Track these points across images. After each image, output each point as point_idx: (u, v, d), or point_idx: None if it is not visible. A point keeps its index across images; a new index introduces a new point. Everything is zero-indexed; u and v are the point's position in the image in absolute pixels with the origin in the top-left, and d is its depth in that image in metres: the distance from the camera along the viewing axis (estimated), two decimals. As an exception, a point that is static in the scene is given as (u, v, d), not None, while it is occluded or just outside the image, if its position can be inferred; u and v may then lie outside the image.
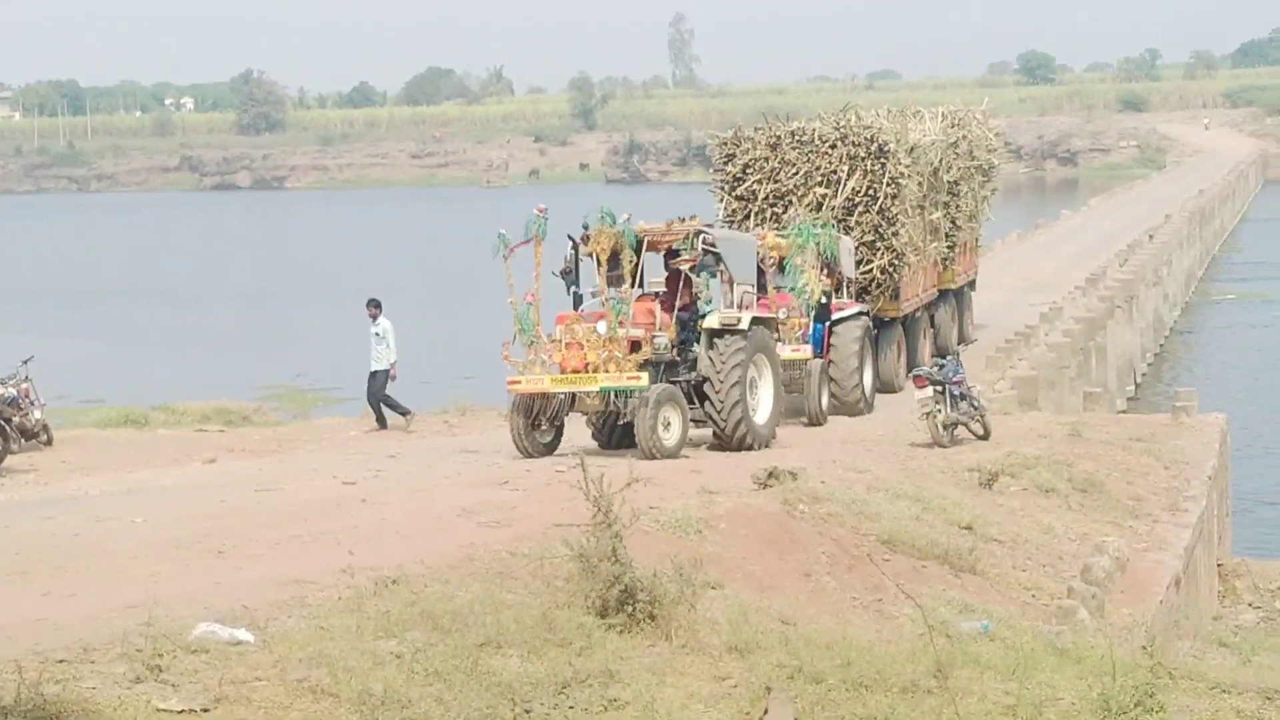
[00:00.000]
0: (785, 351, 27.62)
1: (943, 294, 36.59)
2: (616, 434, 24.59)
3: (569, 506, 15.17)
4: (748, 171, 32.10)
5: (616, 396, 23.69)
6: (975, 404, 26.07)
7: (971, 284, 40.23)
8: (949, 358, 27.52)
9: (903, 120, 35.10)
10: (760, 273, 27.71)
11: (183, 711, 9.96)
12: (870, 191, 31.44)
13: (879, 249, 31.58)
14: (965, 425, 25.88)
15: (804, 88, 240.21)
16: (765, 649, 12.20)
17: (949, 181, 35.67)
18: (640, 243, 24.45)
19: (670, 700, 10.77)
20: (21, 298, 77.28)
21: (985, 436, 25.93)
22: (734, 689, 11.24)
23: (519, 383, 23.82)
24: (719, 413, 24.12)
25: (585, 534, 13.20)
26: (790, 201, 31.35)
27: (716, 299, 25.42)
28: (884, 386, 31.59)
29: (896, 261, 31.75)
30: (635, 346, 24.10)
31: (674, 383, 24.30)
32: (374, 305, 29.61)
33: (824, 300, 29.24)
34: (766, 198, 31.80)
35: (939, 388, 25.50)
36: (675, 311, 24.84)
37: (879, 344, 31.48)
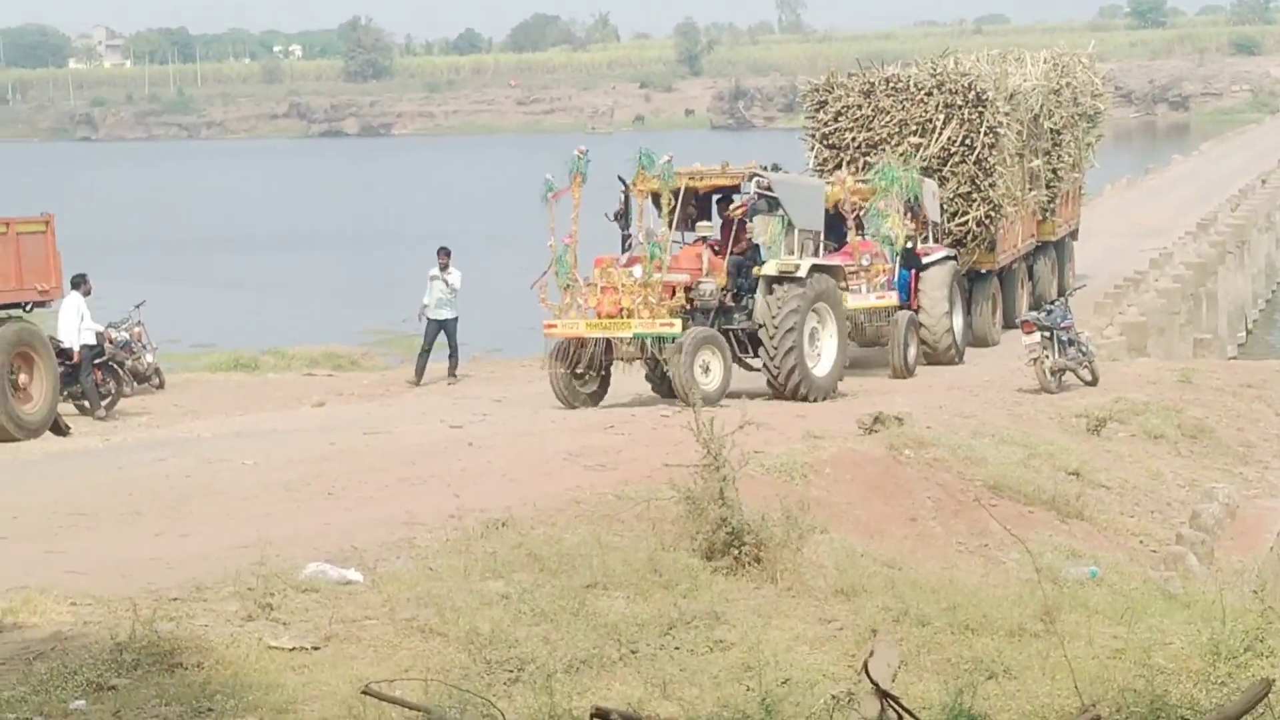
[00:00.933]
0: (869, 300, 27.21)
1: (1042, 245, 35.66)
2: (669, 381, 23.98)
3: (675, 450, 15.20)
4: (839, 119, 31.35)
5: (651, 343, 23.17)
6: (1083, 350, 25.86)
7: (1073, 234, 39.00)
8: (1057, 303, 27.26)
9: (1003, 65, 34.17)
10: (840, 219, 27.45)
11: (294, 649, 10.07)
12: (967, 141, 30.63)
13: (975, 200, 30.74)
14: (1073, 371, 25.68)
15: (911, 32, 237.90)
16: (871, 592, 12.18)
17: (1050, 129, 34.76)
18: (682, 187, 23.78)
19: (775, 642, 10.77)
20: (133, 244, 78.09)
21: (1093, 382, 25.72)
22: (839, 631, 11.23)
23: (555, 327, 23.43)
24: (772, 362, 23.50)
25: (692, 476, 13.23)
26: (883, 150, 30.33)
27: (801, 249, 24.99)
28: (978, 340, 30.95)
29: (993, 213, 30.92)
30: (682, 292, 23.65)
31: (727, 331, 23.75)
32: (444, 253, 29.45)
33: (909, 245, 28.57)
34: (859, 146, 30.97)
35: (1047, 333, 25.31)
36: (729, 257, 24.22)
37: (973, 297, 30.97)
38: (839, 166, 30.58)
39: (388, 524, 13.59)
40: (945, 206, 30.13)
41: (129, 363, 27.59)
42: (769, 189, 24.20)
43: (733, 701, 8.90)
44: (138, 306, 29.09)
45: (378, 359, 34.76)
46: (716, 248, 24.57)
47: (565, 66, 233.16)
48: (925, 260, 28.89)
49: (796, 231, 24.49)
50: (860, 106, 31.16)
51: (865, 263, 27.41)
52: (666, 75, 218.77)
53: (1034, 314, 26.83)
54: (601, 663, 10.08)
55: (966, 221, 30.73)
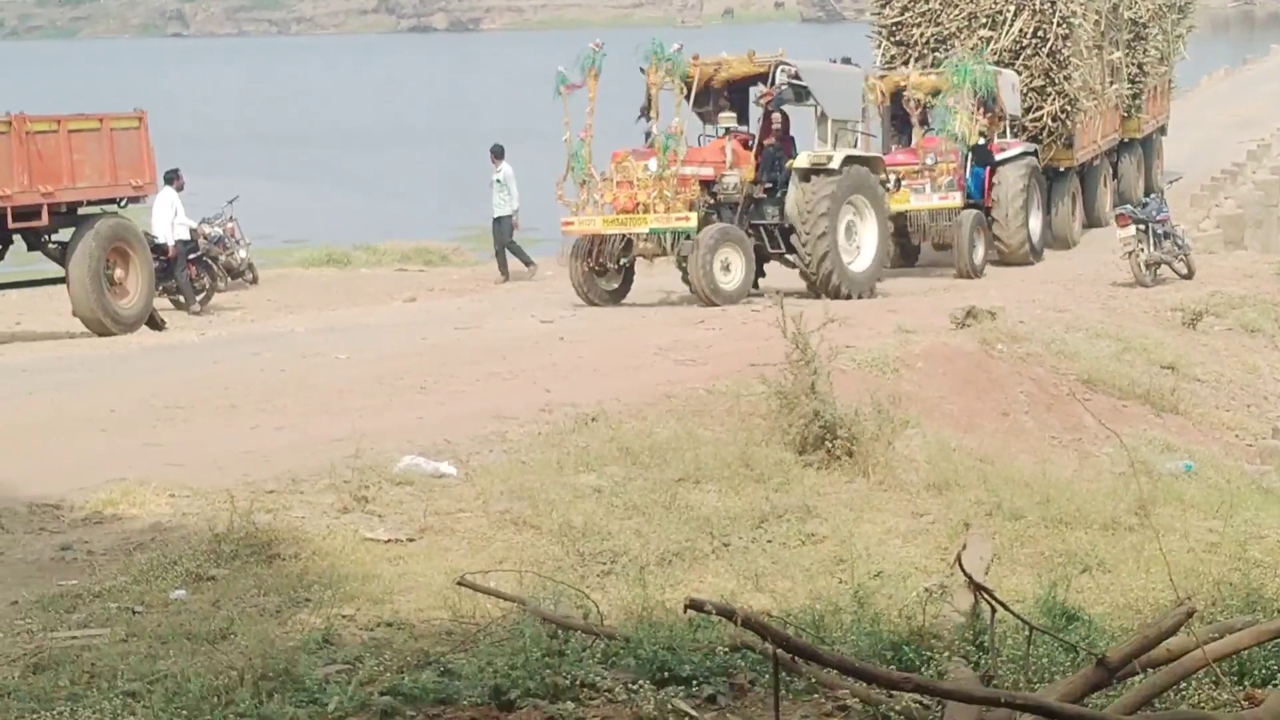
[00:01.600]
0: (932, 200, 26.38)
1: (1127, 142, 34.43)
2: None
3: (765, 345, 15.18)
4: (906, 14, 30.18)
5: (669, 238, 22.37)
6: (1179, 243, 25.61)
7: (1162, 130, 37.49)
8: (1152, 196, 26.95)
9: None
10: (904, 116, 26.99)
11: (389, 541, 10.17)
12: (1039, 33, 29.39)
13: (1050, 94, 29.58)
14: (1168, 264, 25.46)
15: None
16: (963, 486, 12.17)
17: (1133, 20, 33.51)
18: (695, 77, 23.03)
19: (867, 535, 10.79)
20: (225, 140, 78.45)
21: (1189, 276, 25.49)
22: (931, 525, 11.23)
23: (572, 224, 22.79)
24: (805, 257, 22.73)
25: (783, 372, 13.22)
26: (952, 45, 29.28)
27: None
28: (1058, 241, 29.98)
29: (1069, 107, 29.74)
30: (706, 186, 22.87)
31: (759, 226, 23.06)
32: (496, 152, 29.30)
33: (982, 141, 27.52)
34: (927, 42, 29.82)
35: (1142, 226, 25.06)
36: (760, 149, 23.37)
37: (1051, 196, 29.90)
38: (906, 63, 29.72)
39: (480, 418, 13.65)
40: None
41: (223, 258, 27.78)
42: (797, 77, 23.32)
43: (825, 594, 8.91)
44: (231, 202, 29.25)
45: (468, 254, 34.82)
46: (749, 141, 23.77)
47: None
48: (1001, 157, 27.81)
49: (830, 121, 23.54)
50: (928, 0, 30.08)
51: (930, 161, 26.50)
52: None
53: (1129, 207, 26.54)
54: (694, 555, 10.13)
55: (1041, 116, 29.63)
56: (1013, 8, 29.47)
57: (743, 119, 24.31)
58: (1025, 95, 29.23)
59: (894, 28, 30.34)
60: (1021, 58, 29.43)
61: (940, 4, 29.92)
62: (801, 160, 23.06)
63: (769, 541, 10.52)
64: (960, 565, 7.49)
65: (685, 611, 6.10)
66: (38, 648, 7.89)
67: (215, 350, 19.16)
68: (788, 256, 23.33)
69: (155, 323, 23.01)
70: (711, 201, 22.92)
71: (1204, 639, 6.14)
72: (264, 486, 11.14)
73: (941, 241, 26.91)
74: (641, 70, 23.41)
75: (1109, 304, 22.94)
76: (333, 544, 9.93)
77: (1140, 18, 33.68)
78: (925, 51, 29.71)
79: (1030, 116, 29.45)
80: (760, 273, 23.32)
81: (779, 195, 23.18)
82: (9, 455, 12.51)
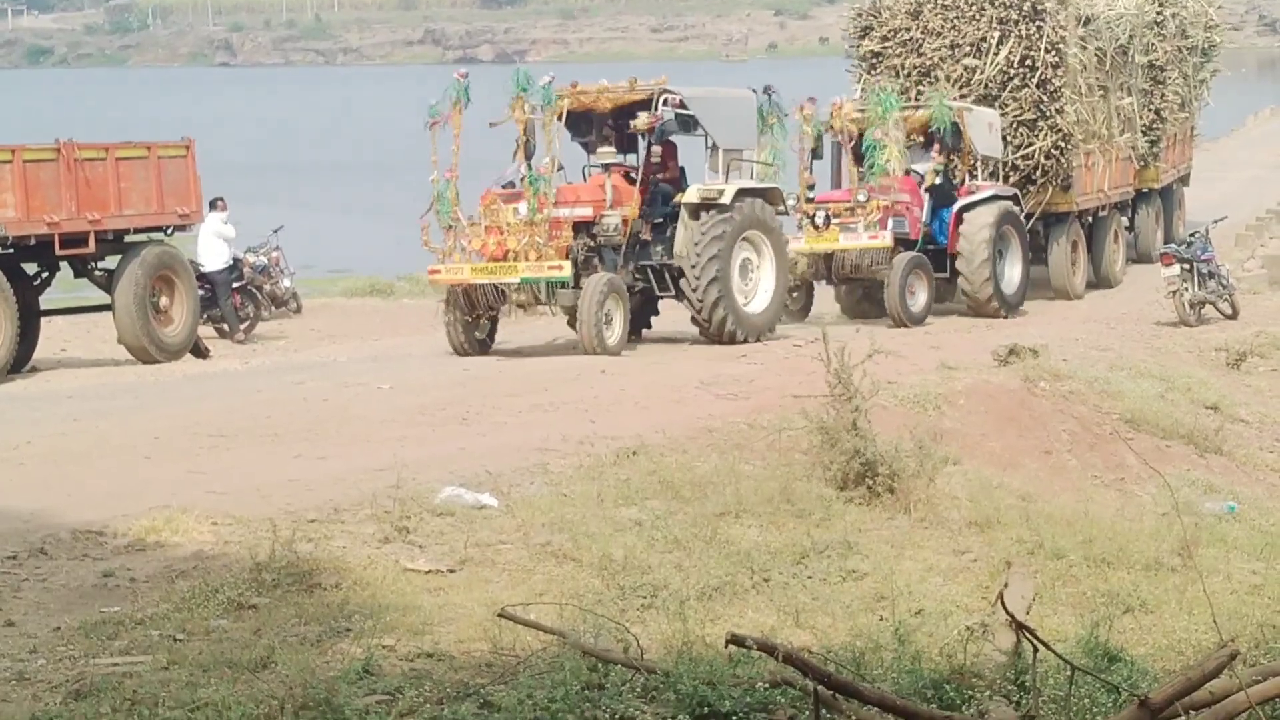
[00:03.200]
0: (862, 239, 24.17)
1: (1145, 193, 31.96)
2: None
3: (806, 380, 15.18)
4: (886, 46, 27.83)
5: (543, 288, 20.48)
6: (1224, 282, 25.51)
7: (1183, 179, 35.17)
8: (1196, 234, 26.79)
9: None
10: (832, 149, 25.42)
11: (429, 571, 10.18)
12: (1027, 61, 26.97)
13: (1041, 129, 27.10)
14: (1213, 304, 25.35)
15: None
16: (1005, 524, 12.14)
17: (1149, 65, 31.11)
18: (569, 107, 21.13)
19: (909, 573, 10.77)
20: (271, 169, 78.78)
21: (1233, 315, 25.38)
22: (973, 563, 11.21)
23: (439, 272, 20.93)
24: (696, 303, 21.00)
25: (825, 406, 13.21)
26: (936, 77, 27.10)
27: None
28: (1056, 292, 27.88)
29: (1063, 144, 27.20)
30: (585, 228, 21.03)
31: (646, 267, 21.34)
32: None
33: (939, 181, 25.29)
34: (909, 74, 27.41)
35: (1186, 265, 24.97)
36: (649, 185, 21.54)
37: (1048, 242, 27.82)
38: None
39: (521, 449, 13.67)
40: (1006, 136, 26.74)
41: (267, 287, 27.91)
42: (683, 105, 21.46)
43: (866, 631, 8.90)
44: (276, 231, 29.37)
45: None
46: (632, 175, 21.74)
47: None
48: (968, 200, 25.26)
49: (721, 152, 21.75)
50: (909, 30, 27.70)
51: (862, 198, 24.44)
52: (802, 2, 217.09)
53: (1173, 246, 26.41)
54: (734, 590, 10.13)
55: (1033, 154, 27.17)
56: (997, 34, 27.21)
57: (628, 151, 22.20)
58: (1015, 130, 27.08)
59: (874, 59, 28.10)
60: (1009, 89, 27.18)
61: (921, 32, 27.66)
62: (691, 195, 21.38)
63: (810, 577, 10.51)
64: (1002, 604, 7.48)
65: (726, 646, 6.11)
66: (80, 674, 7.93)
67: (258, 379, 19.22)
68: (674, 300, 21.80)
69: (199, 351, 23.10)
70: (592, 244, 21.10)
71: (1247, 682, 6.12)
72: (306, 515, 11.16)
73: (867, 282, 24.85)
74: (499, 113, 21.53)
75: (1153, 343, 22.85)
76: (374, 574, 9.94)
77: (1157, 61, 31.47)
78: (908, 85, 27.19)
79: (1021, 153, 27.20)
80: (654, 311, 22.30)
81: (668, 233, 21.60)
82: (53, 481, 12.57)
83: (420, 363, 20.61)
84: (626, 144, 22.14)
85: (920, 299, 24.36)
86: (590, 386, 17.62)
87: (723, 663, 7.57)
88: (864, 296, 25.42)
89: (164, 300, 22.57)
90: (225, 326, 26.04)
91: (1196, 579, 9.99)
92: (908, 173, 25.28)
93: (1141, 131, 30.90)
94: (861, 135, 25.10)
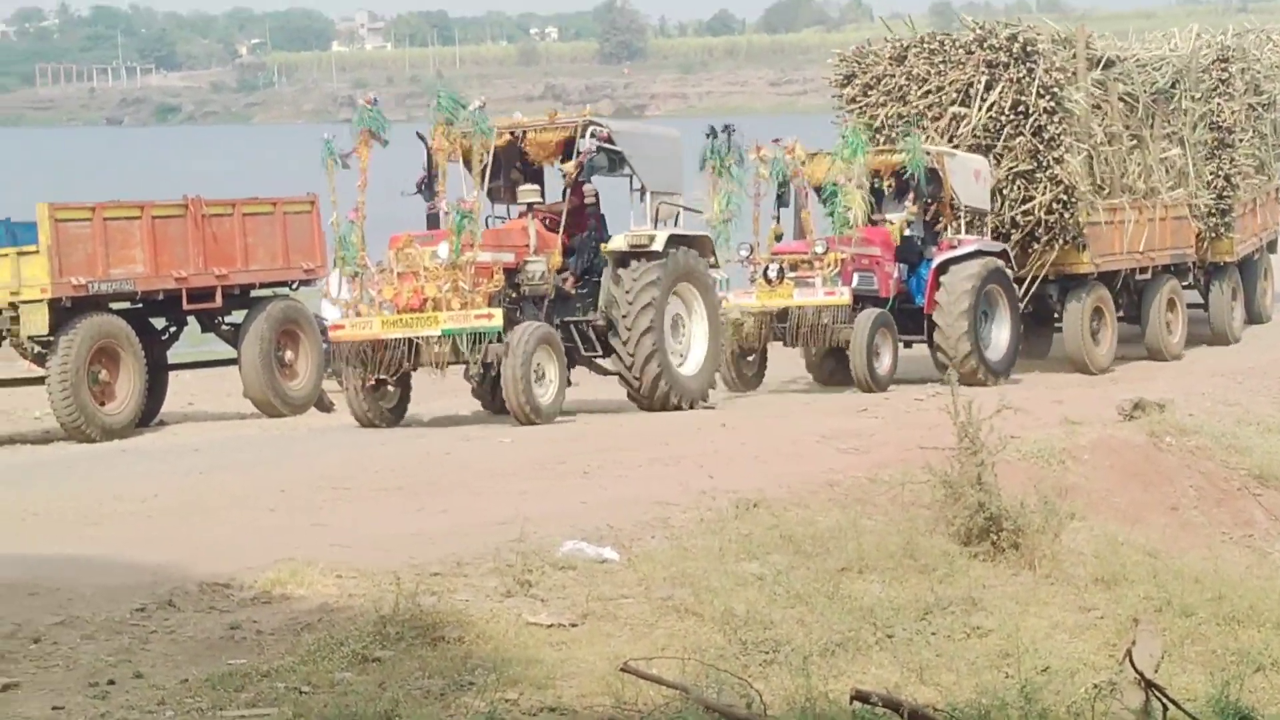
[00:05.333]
0: (818, 296, 21.93)
1: (1220, 265, 28.66)
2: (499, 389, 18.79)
3: (928, 434, 15.09)
4: (869, 92, 25.45)
5: (465, 341, 18.20)
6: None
7: (1271, 245, 31.57)
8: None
9: (1162, 43, 28.12)
10: (794, 195, 23.21)
11: (551, 625, 10.19)
12: (1019, 107, 24.52)
13: (1040, 180, 24.57)
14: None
15: (1173, 11, 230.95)
16: (1132, 581, 12.01)
17: (1214, 122, 27.69)
18: (491, 145, 19.05)
19: (1034, 630, 10.66)
20: (394, 224, 79.54)
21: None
22: (1099, 620, 11.09)
23: (343, 328, 18.79)
24: (628, 358, 19.19)
25: (948, 460, 13.13)
26: (923, 125, 24.58)
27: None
28: (1075, 366, 25.17)
29: (1065, 197, 24.56)
30: (508, 275, 18.84)
31: (568, 324, 19.40)
32: None
33: (909, 233, 23.50)
34: (894, 123, 24.86)
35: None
36: (572, 230, 19.80)
37: (1062, 305, 25.35)
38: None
39: (642, 503, 13.66)
40: (1003, 189, 24.53)
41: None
42: (610, 140, 19.66)
43: (991, 688, 8.82)
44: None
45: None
46: (550, 220, 19.83)
47: (819, 47, 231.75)
48: (946, 255, 23.20)
49: (649, 195, 19.95)
50: (893, 76, 25.34)
51: (820, 249, 22.24)
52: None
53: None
54: (857, 646, 10.07)
55: (1032, 209, 24.66)
56: (984, 79, 24.81)
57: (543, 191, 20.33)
58: (1010, 181, 24.63)
59: (856, 107, 25.58)
60: (1003, 138, 24.70)
61: (905, 79, 25.26)
62: (618, 241, 19.56)
63: (933, 633, 10.44)
64: (1131, 661, 7.39)
65: (850, 703, 6.07)
66: (207, 726, 8.00)
67: (381, 432, 19.35)
68: (598, 361, 20.02)
69: (323, 405, 23.30)
70: (514, 295, 18.97)
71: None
72: (429, 568, 11.21)
73: (840, 346, 22.37)
74: (420, 136, 19.74)
75: (1281, 398, 22.56)
76: (496, 627, 9.97)
77: (1223, 123, 27.86)
78: (894, 136, 24.42)
79: (1020, 208, 24.68)
80: (567, 381, 19.48)
81: (589, 286, 19.74)
82: (181, 534, 12.71)
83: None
84: (543, 184, 20.37)
85: (885, 361, 22.15)
86: (710, 440, 17.59)
87: (846, 719, 7.53)
88: (837, 364, 23.17)
89: (289, 354, 22.80)
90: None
91: (1329, 638, 9.84)
92: (876, 223, 23.35)
93: (1209, 192, 27.78)
94: (820, 181, 22.82)
